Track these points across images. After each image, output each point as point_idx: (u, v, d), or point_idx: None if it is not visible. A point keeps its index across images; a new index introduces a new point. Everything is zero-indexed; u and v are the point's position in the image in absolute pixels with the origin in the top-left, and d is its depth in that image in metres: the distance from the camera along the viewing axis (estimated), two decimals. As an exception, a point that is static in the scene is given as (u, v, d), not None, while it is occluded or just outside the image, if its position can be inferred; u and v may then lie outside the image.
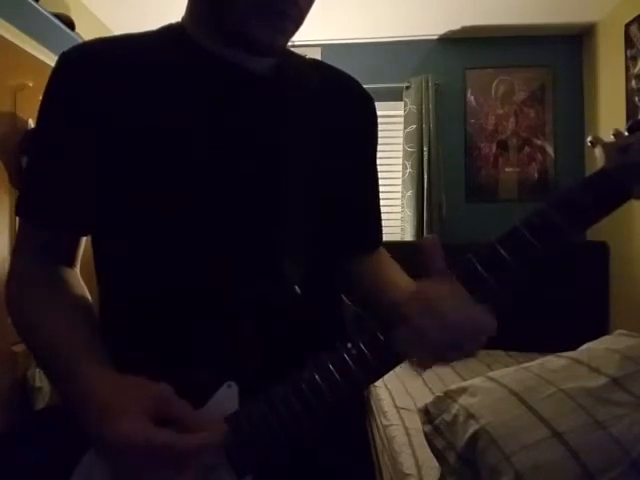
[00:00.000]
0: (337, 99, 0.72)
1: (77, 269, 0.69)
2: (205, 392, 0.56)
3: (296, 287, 0.61)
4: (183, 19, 0.67)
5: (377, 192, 0.80)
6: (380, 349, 0.53)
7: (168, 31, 0.67)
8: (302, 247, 0.63)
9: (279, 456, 0.56)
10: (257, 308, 0.60)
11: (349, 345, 0.54)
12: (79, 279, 0.67)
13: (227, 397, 0.56)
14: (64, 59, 0.62)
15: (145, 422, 0.49)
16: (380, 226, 0.81)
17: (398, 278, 0.75)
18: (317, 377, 0.54)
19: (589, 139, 0.56)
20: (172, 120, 0.60)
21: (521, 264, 0.52)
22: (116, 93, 0.60)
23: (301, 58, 0.73)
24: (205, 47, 0.63)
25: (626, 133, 0.53)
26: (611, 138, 0.54)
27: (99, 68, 0.60)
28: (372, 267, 0.78)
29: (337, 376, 0.53)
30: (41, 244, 0.65)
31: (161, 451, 0.48)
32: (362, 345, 0.53)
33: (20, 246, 0.66)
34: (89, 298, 0.66)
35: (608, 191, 0.51)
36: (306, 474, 0.63)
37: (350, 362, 0.53)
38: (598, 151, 0.54)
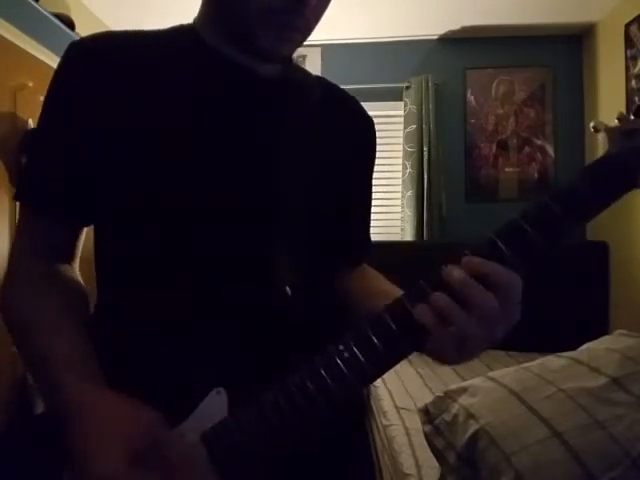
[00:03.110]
0: (338, 115, 0.73)
1: (76, 265, 0.68)
2: (193, 398, 0.55)
3: (287, 289, 0.60)
4: (195, 21, 0.68)
5: (368, 211, 0.81)
6: (373, 351, 0.50)
7: (179, 32, 0.67)
8: (295, 250, 0.63)
9: (269, 463, 0.54)
10: (247, 312, 0.60)
11: (341, 347, 0.51)
12: (77, 276, 0.66)
13: (216, 404, 0.55)
14: (74, 50, 0.62)
15: (121, 462, 0.47)
16: (366, 244, 0.81)
17: (388, 287, 0.72)
18: (308, 382, 0.51)
19: (592, 124, 0.52)
20: (177, 120, 0.60)
21: (521, 258, 0.48)
22: (124, 88, 0.60)
23: (306, 72, 0.75)
24: (218, 50, 0.64)
25: (632, 117, 0.50)
26: (615, 122, 0.50)
27: (109, 62, 0.60)
28: (354, 281, 0.76)
29: (329, 380, 0.51)
30: (40, 237, 0.64)
31: None
32: (354, 347, 0.51)
33: (18, 244, 0.65)
34: (86, 298, 0.65)
35: (612, 178, 0.47)
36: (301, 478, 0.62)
37: (342, 365, 0.51)
38: (601, 136, 0.51)
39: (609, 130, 0.50)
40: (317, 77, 0.76)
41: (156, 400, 0.51)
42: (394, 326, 0.50)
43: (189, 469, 0.50)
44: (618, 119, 0.50)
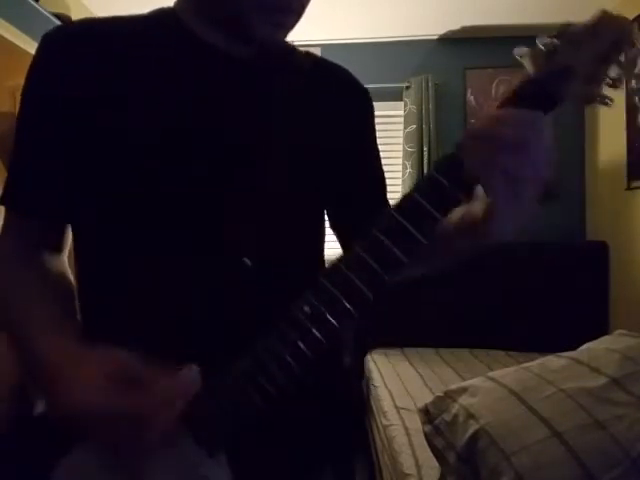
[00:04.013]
0: (326, 85, 0.72)
1: (64, 254, 0.68)
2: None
3: (246, 260, 0.59)
4: (175, 4, 0.66)
5: (377, 178, 0.79)
6: (335, 303, 0.51)
7: (159, 15, 0.65)
8: (260, 223, 0.61)
9: (250, 432, 0.55)
10: (208, 285, 0.59)
11: (305, 307, 0.52)
12: (63, 263, 0.68)
13: (188, 379, 0.55)
14: (47, 41, 0.61)
15: (103, 386, 0.49)
16: (382, 205, 0.79)
17: None
18: (277, 345, 0.52)
19: (514, 52, 0.55)
20: (157, 109, 0.59)
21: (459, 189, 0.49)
22: (99, 78, 0.59)
23: (291, 46, 0.73)
24: (198, 34, 0.63)
25: (555, 40, 0.53)
26: (541, 48, 0.53)
27: (83, 52, 0.59)
28: None
29: (298, 342, 0.52)
30: (27, 230, 0.65)
31: (125, 411, 0.48)
32: (316, 302, 0.51)
33: (5, 229, 0.66)
34: (71, 282, 0.66)
35: (538, 97, 0.50)
36: (282, 448, 0.62)
37: (307, 323, 0.51)
38: (525, 62, 0.53)
39: (532, 54, 0.53)
40: (306, 52, 0.74)
41: None
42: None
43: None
44: (543, 44, 0.53)
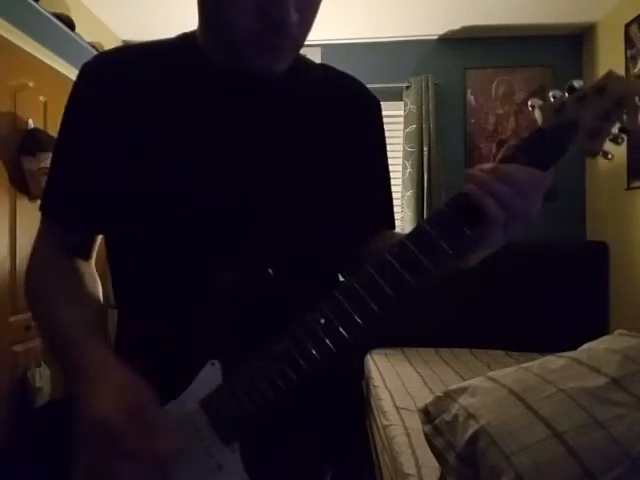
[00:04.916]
0: (339, 101, 0.75)
1: (92, 261, 0.76)
2: (191, 371, 0.63)
3: (270, 270, 0.65)
4: (196, 31, 0.71)
5: (381, 182, 0.84)
6: (347, 317, 0.56)
7: (181, 41, 0.71)
8: (280, 236, 0.66)
9: (262, 423, 0.60)
10: (233, 293, 0.64)
11: (318, 317, 0.57)
12: (92, 271, 0.74)
13: (211, 374, 0.62)
14: (86, 69, 0.69)
15: (113, 409, 0.53)
16: (381, 213, 0.85)
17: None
18: (292, 348, 0.58)
19: (529, 103, 0.59)
20: (177, 131, 0.65)
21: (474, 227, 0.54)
22: (129, 103, 0.66)
23: (307, 61, 0.76)
24: (211, 59, 0.68)
25: (566, 94, 0.57)
26: (551, 100, 0.58)
27: (117, 78, 0.67)
28: (381, 235, 0.79)
29: (310, 347, 0.57)
30: (58, 239, 0.71)
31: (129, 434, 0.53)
32: (330, 314, 0.56)
33: (41, 238, 0.72)
34: (99, 289, 0.73)
35: (544, 148, 0.55)
36: (284, 448, 0.66)
37: (321, 333, 0.57)
38: (537, 113, 0.57)
39: (542, 107, 0.57)
40: (321, 65, 0.78)
41: (159, 375, 0.58)
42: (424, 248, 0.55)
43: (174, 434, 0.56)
44: (553, 97, 0.57)
